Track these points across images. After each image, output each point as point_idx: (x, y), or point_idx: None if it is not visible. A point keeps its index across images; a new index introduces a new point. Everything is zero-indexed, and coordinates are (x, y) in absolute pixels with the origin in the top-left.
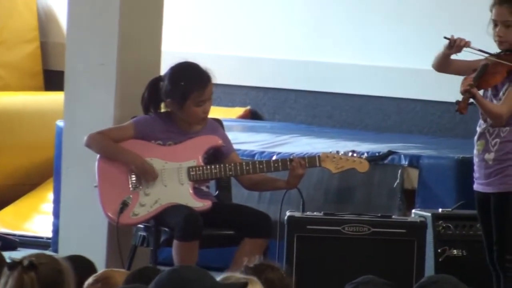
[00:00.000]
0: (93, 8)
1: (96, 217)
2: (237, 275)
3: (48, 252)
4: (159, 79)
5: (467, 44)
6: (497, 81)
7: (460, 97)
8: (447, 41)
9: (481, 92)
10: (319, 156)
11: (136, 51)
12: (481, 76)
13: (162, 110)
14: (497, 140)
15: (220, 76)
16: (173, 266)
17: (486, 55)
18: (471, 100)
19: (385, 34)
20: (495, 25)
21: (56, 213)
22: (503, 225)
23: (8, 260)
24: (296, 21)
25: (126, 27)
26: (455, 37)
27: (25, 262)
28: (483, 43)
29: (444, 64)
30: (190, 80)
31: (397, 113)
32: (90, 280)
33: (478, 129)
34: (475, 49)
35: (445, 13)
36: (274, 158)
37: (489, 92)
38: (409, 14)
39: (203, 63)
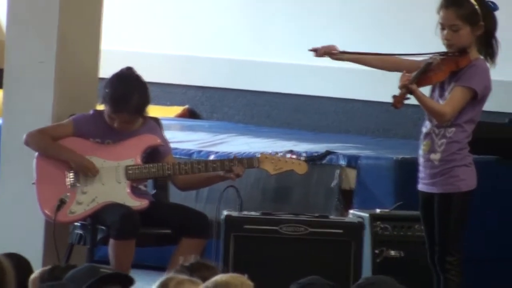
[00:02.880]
0: (32, 5)
1: (33, 215)
2: (180, 276)
3: None
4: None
5: (328, 51)
6: (439, 79)
7: (397, 92)
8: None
9: (424, 90)
10: (257, 157)
11: (75, 49)
12: (423, 73)
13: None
14: (443, 140)
15: (158, 74)
16: (109, 264)
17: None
18: (409, 96)
19: (324, 33)
20: (443, 28)
21: None
22: (445, 226)
23: None
24: (234, 20)
25: (66, 25)
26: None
27: None
28: (425, 44)
29: (378, 66)
30: (111, 94)
31: (335, 113)
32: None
33: (424, 129)
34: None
35: (386, 12)
36: (212, 157)
37: (436, 93)
38: (349, 13)
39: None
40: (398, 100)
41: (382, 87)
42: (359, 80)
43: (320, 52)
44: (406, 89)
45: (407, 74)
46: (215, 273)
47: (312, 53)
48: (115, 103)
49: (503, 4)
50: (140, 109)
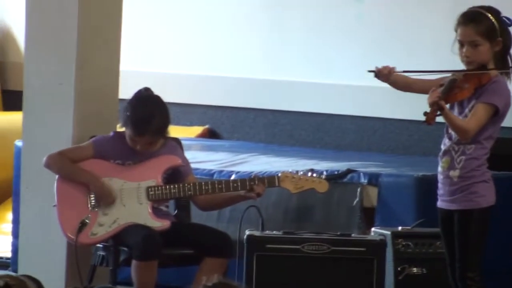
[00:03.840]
0: (50, 27)
1: (55, 237)
2: None
3: (8, 272)
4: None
5: (391, 71)
6: (464, 96)
7: (427, 109)
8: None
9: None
10: (278, 176)
11: (94, 70)
12: (448, 90)
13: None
14: (462, 157)
15: (178, 95)
16: (132, 286)
17: (454, 73)
18: (438, 112)
19: (344, 52)
20: (461, 45)
21: (15, 233)
22: (465, 242)
23: None
24: (254, 39)
25: (84, 46)
26: (380, 66)
27: (1, 283)
28: (435, 61)
29: (400, 87)
30: (132, 117)
31: (356, 131)
32: None
33: (443, 147)
34: (399, 71)
35: (401, 31)
36: (233, 177)
37: (455, 110)
38: (367, 32)
39: (163, 87)
40: (431, 117)
41: (402, 105)
42: (379, 98)
43: (382, 72)
44: (437, 105)
45: (436, 90)
46: None
47: (332, 71)
48: (137, 126)
49: None
50: (161, 131)
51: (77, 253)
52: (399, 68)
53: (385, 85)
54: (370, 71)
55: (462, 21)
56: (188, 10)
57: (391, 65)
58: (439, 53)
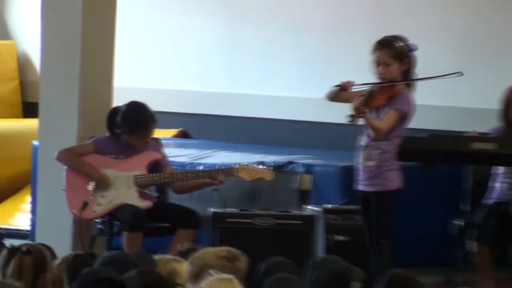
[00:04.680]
0: (60, 53)
1: (64, 214)
2: (167, 256)
3: (27, 241)
4: (115, 109)
5: (353, 84)
6: (379, 104)
7: (351, 113)
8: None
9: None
10: (236, 168)
11: (93, 87)
12: (368, 99)
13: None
14: (378, 151)
15: (159, 105)
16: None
17: (369, 85)
18: (361, 115)
19: (285, 71)
20: (378, 65)
21: (33, 211)
22: (379, 216)
23: (8, 246)
24: (217, 60)
25: (86, 68)
26: (343, 81)
27: (24, 248)
28: (359, 77)
29: (336, 98)
30: (133, 122)
31: (295, 131)
32: None
33: (362, 143)
34: (358, 84)
35: (331, 54)
36: (200, 168)
37: (373, 114)
38: (304, 56)
39: (146, 99)
40: (355, 119)
41: (330, 111)
42: (313, 106)
43: (346, 85)
44: (360, 110)
45: (359, 99)
46: None
47: (276, 85)
48: (143, 129)
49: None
50: (153, 131)
51: (81, 226)
52: (332, 83)
53: (317, 95)
54: (336, 86)
55: (378, 46)
56: (161, 33)
57: (324, 81)
58: (361, 71)
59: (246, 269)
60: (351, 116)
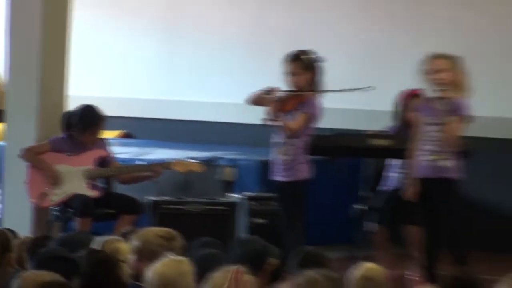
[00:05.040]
0: (22, 67)
1: (26, 202)
2: (111, 237)
3: None
4: (68, 112)
5: (278, 89)
6: (292, 108)
7: (268, 116)
8: (265, 89)
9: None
10: (172, 162)
11: (50, 96)
12: (282, 104)
13: None
14: (291, 147)
15: (104, 110)
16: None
17: (285, 92)
18: (275, 119)
19: (214, 79)
20: (289, 75)
21: (2, 201)
22: (292, 202)
23: None
24: (155, 72)
25: (44, 80)
26: (271, 86)
27: None
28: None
29: (258, 102)
30: (87, 120)
31: (221, 132)
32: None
33: (276, 140)
34: (281, 90)
35: (252, 67)
36: (141, 163)
37: (287, 116)
38: (229, 68)
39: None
40: (271, 121)
41: (250, 114)
42: (235, 110)
43: (274, 90)
44: (275, 113)
45: (274, 104)
46: None
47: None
48: (94, 127)
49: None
50: (102, 128)
51: (40, 213)
52: (249, 91)
53: (239, 101)
54: (263, 90)
55: (288, 59)
56: (109, 47)
57: (246, 89)
58: (276, 80)
59: (181, 247)
60: (268, 119)
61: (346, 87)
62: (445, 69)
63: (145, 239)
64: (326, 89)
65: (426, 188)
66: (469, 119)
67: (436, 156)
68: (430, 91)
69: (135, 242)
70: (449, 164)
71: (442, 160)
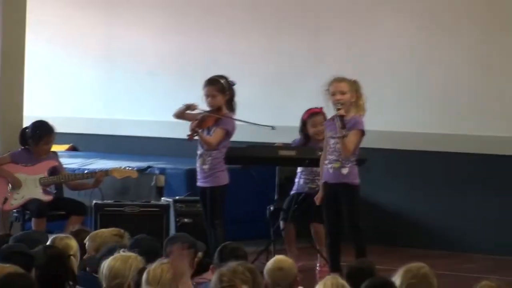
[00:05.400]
0: None
1: None
2: (61, 235)
3: None
4: (24, 129)
5: (196, 106)
6: (209, 125)
7: (189, 133)
8: (185, 104)
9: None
10: (111, 170)
11: (8, 116)
12: (201, 121)
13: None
14: (210, 158)
15: (55, 127)
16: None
17: (205, 112)
18: (196, 135)
19: (145, 100)
20: (207, 97)
21: None
22: (213, 203)
23: None
24: (96, 95)
25: (4, 103)
26: (190, 103)
27: None
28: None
29: (180, 116)
30: (43, 129)
31: (154, 145)
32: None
33: (198, 152)
34: (199, 108)
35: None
36: (86, 171)
37: (205, 132)
38: (158, 90)
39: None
40: (191, 137)
41: (178, 130)
42: (165, 126)
43: (192, 107)
44: (194, 131)
45: (194, 123)
46: (88, 234)
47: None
48: (45, 138)
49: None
50: (53, 139)
51: (2, 215)
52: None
53: (166, 118)
54: (184, 105)
55: (206, 83)
56: (59, 73)
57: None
58: (199, 101)
59: (128, 243)
60: (189, 135)
61: (252, 118)
62: (344, 91)
63: (102, 238)
64: (236, 110)
65: (330, 191)
66: (362, 133)
67: (337, 164)
68: (332, 109)
69: (91, 241)
70: (347, 171)
71: (342, 167)
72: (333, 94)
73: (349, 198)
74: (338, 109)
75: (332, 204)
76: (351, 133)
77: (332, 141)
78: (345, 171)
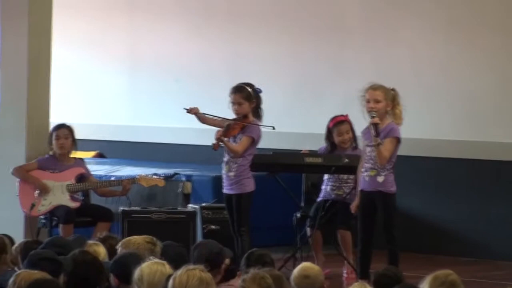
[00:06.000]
0: (13, 97)
1: (18, 212)
2: (90, 241)
3: None
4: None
5: (196, 109)
6: (235, 133)
7: (215, 141)
8: (185, 108)
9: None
10: (138, 178)
11: (36, 121)
12: (226, 130)
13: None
14: (236, 165)
15: (83, 134)
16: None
17: (231, 120)
18: (221, 143)
19: (171, 107)
20: (233, 104)
21: None
22: (239, 211)
23: None
24: (124, 104)
25: (30, 107)
26: (191, 106)
27: None
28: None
29: (203, 121)
30: (52, 128)
31: (180, 152)
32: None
33: (224, 159)
34: (202, 113)
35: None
36: (113, 178)
37: (231, 140)
38: (183, 95)
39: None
40: (216, 146)
41: (204, 137)
42: (191, 133)
43: (193, 111)
44: (220, 140)
45: (219, 131)
46: (116, 241)
47: (165, 119)
48: (55, 133)
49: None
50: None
51: (30, 221)
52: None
53: (194, 126)
54: (185, 109)
55: (232, 90)
56: (84, 80)
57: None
58: (224, 109)
59: (160, 250)
60: (214, 144)
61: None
62: (379, 99)
63: (136, 246)
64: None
65: (366, 199)
66: (398, 141)
67: (373, 172)
68: (367, 117)
69: (124, 247)
70: (383, 179)
71: (377, 175)
72: (368, 101)
73: (385, 206)
74: (373, 117)
75: (367, 212)
76: (386, 140)
77: (368, 149)
78: (380, 179)
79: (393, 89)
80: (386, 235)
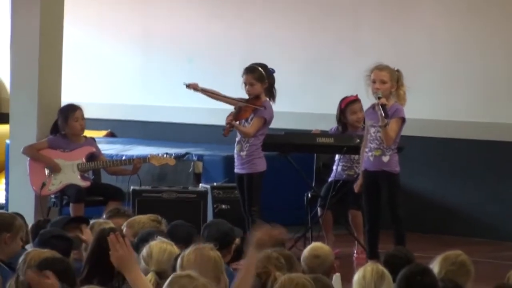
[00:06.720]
0: (24, 78)
1: (28, 191)
2: (100, 220)
3: (2, 211)
4: (56, 121)
5: (196, 85)
6: (247, 116)
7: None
8: (185, 83)
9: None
10: (149, 157)
11: (47, 101)
12: (238, 113)
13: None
14: (247, 144)
15: (94, 113)
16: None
17: (243, 101)
18: (231, 128)
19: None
20: (245, 84)
21: (7, 189)
22: (250, 190)
23: None
24: (135, 83)
25: (41, 88)
26: (190, 82)
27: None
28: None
29: (213, 98)
30: (66, 109)
31: (192, 132)
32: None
33: (237, 139)
34: (201, 88)
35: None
36: (123, 158)
37: (244, 122)
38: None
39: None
40: (227, 132)
41: (214, 117)
42: (202, 113)
43: (192, 86)
44: (231, 124)
45: (230, 115)
46: (127, 217)
47: (177, 98)
48: (71, 108)
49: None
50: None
51: (40, 200)
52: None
53: (203, 105)
54: (184, 83)
55: (245, 71)
56: (96, 59)
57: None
58: (238, 89)
59: (165, 228)
60: (224, 129)
61: (290, 105)
62: (385, 80)
63: (141, 225)
64: (275, 95)
65: (370, 179)
66: (403, 121)
67: (378, 152)
68: (371, 95)
69: (129, 227)
70: (388, 159)
71: (382, 155)
72: (374, 81)
73: (390, 186)
74: (379, 98)
75: (371, 191)
76: (392, 121)
77: (372, 129)
78: (385, 159)
79: (397, 70)
80: (391, 215)
